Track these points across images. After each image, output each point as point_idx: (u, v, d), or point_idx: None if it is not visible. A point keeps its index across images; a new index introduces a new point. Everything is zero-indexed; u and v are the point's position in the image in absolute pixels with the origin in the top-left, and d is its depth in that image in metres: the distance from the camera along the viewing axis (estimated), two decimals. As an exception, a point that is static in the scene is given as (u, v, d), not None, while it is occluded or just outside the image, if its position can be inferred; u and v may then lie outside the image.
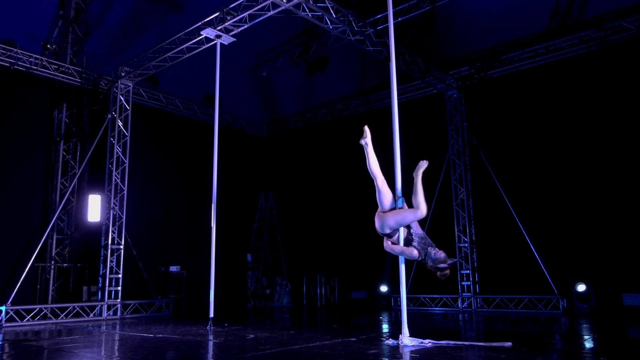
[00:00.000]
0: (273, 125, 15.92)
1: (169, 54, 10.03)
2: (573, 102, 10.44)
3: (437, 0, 9.67)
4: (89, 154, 10.98)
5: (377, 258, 12.60)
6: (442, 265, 5.12)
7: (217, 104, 9.00)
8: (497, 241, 11.05)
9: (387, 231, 5.28)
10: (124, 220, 10.91)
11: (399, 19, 9.92)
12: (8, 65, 10.22)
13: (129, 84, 11.44)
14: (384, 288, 12.06)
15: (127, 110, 11.43)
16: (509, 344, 5.32)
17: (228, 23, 8.83)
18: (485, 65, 11.57)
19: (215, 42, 9.18)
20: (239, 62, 12.42)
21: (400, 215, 5.27)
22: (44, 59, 10.69)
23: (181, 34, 9.70)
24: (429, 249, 5.21)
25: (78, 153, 11.70)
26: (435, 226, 11.53)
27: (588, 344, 5.94)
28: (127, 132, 11.30)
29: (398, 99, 6.59)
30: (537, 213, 10.54)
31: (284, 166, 15.72)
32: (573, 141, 10.34)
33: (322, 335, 6.53)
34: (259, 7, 8.48)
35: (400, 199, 5.51)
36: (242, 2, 8.68)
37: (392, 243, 5.31)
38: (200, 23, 9.17)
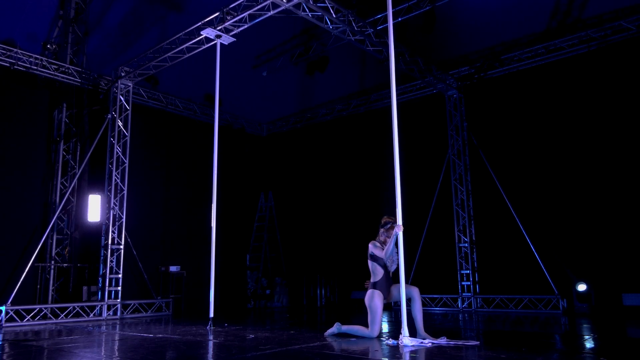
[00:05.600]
0: (273, 125, 15.93)
1: (169, 54, 10.03)
2: (573, 102, 10.44)
3: (437, 0, 9.66)
4: (89, 154, 10.98)
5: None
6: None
7: (217, 104, 9.00)
8: (497, 241, 11.05)
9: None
10: (124, 220, 10.92)
11: (399, 19, 9.92)
12: (8, 65, 10.23)
13: (129, 84, 11.44)
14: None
15: (127, 110, 11.43)
16: (476, 342, 5.52)
17: (228, 23, 8.83)
18: (485, 65, 11.57)
19: (215, 42, 9.18)
20: (239, 62, 12.42)
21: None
22: (44, 59, 10.70)
23: (181, 34, 9.70)
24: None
25: (78, 153, 11.70)
26: (435, 226, 11.56)
27: (588, 344, 5.93)
28: (127, 132, 11.30)
29: (398, 99, 6.59)
30: (537, 213, 10.54)
31: (284, 166, 15.72)
32: (573, 141, 10.35)
33: (322, 335, 6.52)
34: (259, 7, 8.48)
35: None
36: (242, 2, 8.68)
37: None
38: (200, 23, 9.17)
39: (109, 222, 10.79)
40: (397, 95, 6.56)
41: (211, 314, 8.08)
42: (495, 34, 11.22)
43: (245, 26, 8.90)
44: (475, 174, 11.64)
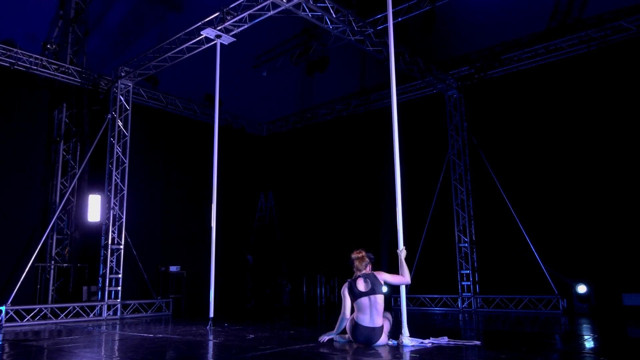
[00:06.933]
0: (273, 125, 15.93)
1: (169, 54, 10.03)
2: (573, 102, 10.44)
3: (437, 0, 9.66)
4: (89, 154, 10.98)
5: (377, 258, 12.60)
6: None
7: (217, 104, 9.01)
8: (497, 241, 11.05)
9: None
10: (124, 220, 10.91)
11: (399, 19, 9.91)
12: (8, 65, 10.23)
13: (129, 84, 11.43)
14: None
15: (127, 110, 11.43)
16: (477, 342, 5.51)
17: (228, 23, 8.83)
18: (485, 65, 11.57)
19: (215, 42, 9.18)
20: (239, 62, 12.42)
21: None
22: (44, 59, 10.69)
23: (181, 34, 9.70)
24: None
25: (78, 153, 11.71)
26: (435, 226, 11.56)
27: (588, 344, 5.94)
28: (127, 132, 11.30)
29: (398, 99, 6.59)
30: (537, 213, 10.54)
31: (284, 166, 15.72)
32: (573, 141, 10.34)
33: (322, 335, 6.52)
34: (259, 7, 8.48)
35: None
36: (242, 2, 8.68)
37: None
38: (200, 23, 9.17)
39: (109, 222, 10.78)
40: (397, 95, 6.56)
41: (211, 314, 8.09)
42: (495, 34, 11.22)
43: (245, 26, 8.90)
44: (475, 174, 11.64)
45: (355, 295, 5.52)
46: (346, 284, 5.67)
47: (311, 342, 5.80)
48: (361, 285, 5.57)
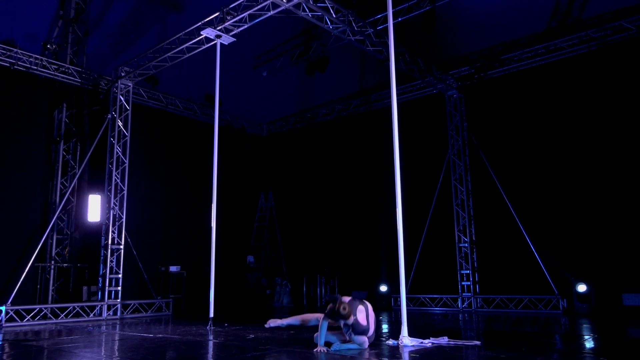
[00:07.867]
0: (273, 125, 15.93)
1: (169, 54, 10.03)
2: (573, 102, 10.45)
3: (437, 0, 9.66)
4: (89, 154, 10.98)
5: (377, 258, 12.62)
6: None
7: (217, 104, 9.01)
8: (497, 241, 11.05)
9: None
10: (124, 220, 10.91)
11: (399, 19, 9.91)
12: (8, 65, 10.22)
13: (129, 84, 11.43)
14: (383, 288, 12.06)
15: (127, 110, 11.43)
16: (477, 342, 5.52)
17: (228, 23, 8.83)
18: (485, 65, 11.57)
19: (215, 42, 9.18)
20: (239, 62, 12.42)
21: None
22: (44, 59, 10.69)
23: (181, 34, 9.70)
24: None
25: (78, 153, 11.71)
26: (435, 226, 11.56)
27: (588, 344, 5.94)
28: (127, 132, 11.29)
29: (398, 99, 6.59)
30: (537, 213, 10.54)
31: (284, 166, 15.73)
32: (573, 141, 10.35)
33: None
34: (259, 7, 8.48)
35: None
36: (242, 2, 8.68)
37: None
38: (200, 23, 9.17)
39: (109, 222, 10.78)
40: (397, 95, 6.56)
41: (211, 314, 8.09)
42: (495, 34, 11.21)
43: (245, 26, 8.90)
44: (475, 174, 11.64)
45: (365, 331, 5.23)
46: (366, 338, 5.25)
47: (311, 343, 5.80)
48: (363, 320, 5.22)
